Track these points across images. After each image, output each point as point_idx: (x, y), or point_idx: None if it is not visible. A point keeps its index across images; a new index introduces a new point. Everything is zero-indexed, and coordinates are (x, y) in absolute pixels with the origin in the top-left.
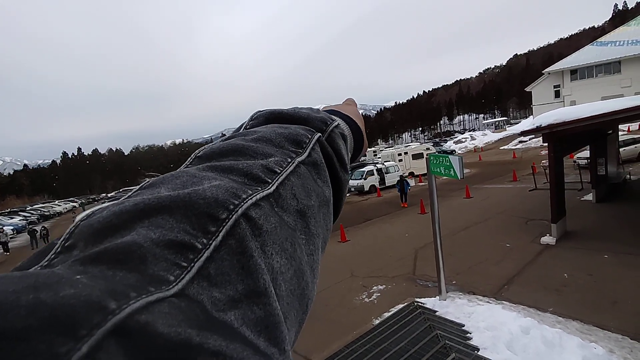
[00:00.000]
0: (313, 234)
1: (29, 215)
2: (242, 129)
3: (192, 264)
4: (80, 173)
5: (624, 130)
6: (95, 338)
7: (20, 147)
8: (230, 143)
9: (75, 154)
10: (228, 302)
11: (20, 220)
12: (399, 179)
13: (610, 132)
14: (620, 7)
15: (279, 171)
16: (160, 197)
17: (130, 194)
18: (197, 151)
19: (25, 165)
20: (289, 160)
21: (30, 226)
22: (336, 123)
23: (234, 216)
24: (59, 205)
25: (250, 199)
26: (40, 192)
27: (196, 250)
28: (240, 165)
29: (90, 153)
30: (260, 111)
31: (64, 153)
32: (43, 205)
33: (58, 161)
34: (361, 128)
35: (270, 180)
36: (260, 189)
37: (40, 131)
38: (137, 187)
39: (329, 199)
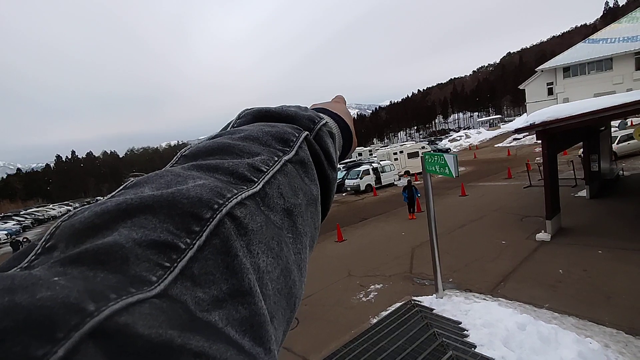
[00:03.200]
0: (300, 232)
1: (23, 219)
2: (229, 128)
3: (175, 264)
4: (74, 176)
5: (616, 127)
6: (72, 341)
7: (13, 151)
8: (217, 142)
9: (69, 157)
10: (212, 302)
11: (14, 224)
12: (406, 184)
13: (603, 128)
14: (611, 4)
15: (266, 170)
16: (143, 196)
17: (113, 193)
18: (182, 150)
19: (18, 169)
20: (276, 158)
21: (13, 237)
22: (324, 121)
23: (218, 215)
24: (54, 209)
25: (235, 198)
26: (34, 196)
27: (179, 250)
28: (226, 164)
29: (84, 156)
30: (247, 109)
31: (58, 156)
32: (37, 209)
33: (52, 165)
34: (350, 126)
35: (256, 179)
36: (245, 187)
37: (34, 134)
38: (121, 186)
39: (317, 198)
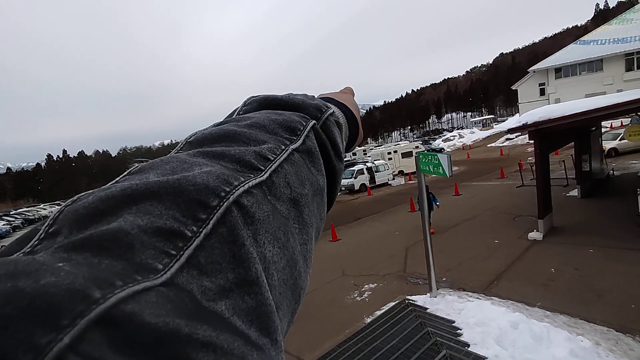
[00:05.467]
0: (306, 223)
1: (13, 219)
2: (235, 115)
3: (182, 252)
4: (66, 176)
5: (606, 127)
6: (78, 328)
7: (2, 150)
8: (223, 128)
9: (61, 156)
10: (219, 292)
11: (4, 225)
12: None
13: (594, 128)
14: (601, 6)
15: (272, 158)
16: (149, 182)
17: (117, 179)
18: (188, 136)
19: (8, 168)
20: (283, 147)
21: None
22: (331, 111)
23: (225, 203)
24: (44, 209)
25: (243, 186)
26: (25, 195)
27: (186, 238)
28: (233, 152)
29: (76, 155)
30: (253, 96)
31: (49, 155)
32: (28, 209)
33: (43, 164)
34: (357, 117)
35: (263, 168)
36: (252, 176)
37: (24, 133)
38: (125, 172)
39: (323, 188)
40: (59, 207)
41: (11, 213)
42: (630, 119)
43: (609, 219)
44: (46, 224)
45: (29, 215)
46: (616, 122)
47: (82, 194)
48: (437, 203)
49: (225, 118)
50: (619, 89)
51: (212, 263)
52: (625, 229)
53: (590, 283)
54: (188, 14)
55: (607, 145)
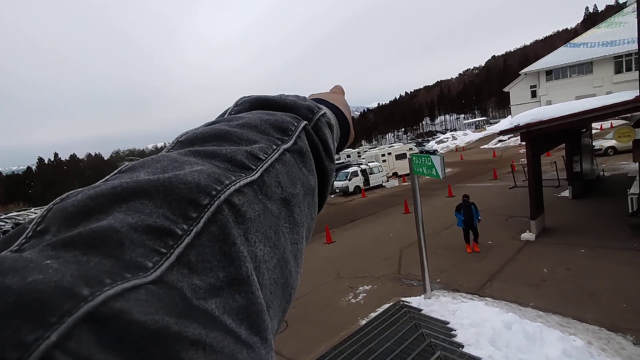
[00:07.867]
0: (297, 222)
1: (3, 224)
2: (226, 115)
3: (172, 251)
4: (57, 179)
5: (596, 129)
6: (65, 326)
7: None
8: (214, 128)
9: (52, 159)
10: (209, 290)
11: None
12: (461, 201)
13: (584, 130)
14: (591, 9)
15: (264, 158)
16: (139, 181)
17: (107, 177)
18: (179, 135)
19: None
20: (274, 147)
21: None
22: (323, 111)
23: (216, 202)
24: (35, 214)
25: (234, 185)
26: (15, 199)
27: (176, 237)
28: (224, 151)
29: (67, 158)
30: (245, 97)
31: (40, 159)
32: (18, 213)
33: (34, 167)
34: (348, 118)
35: (254, 167)
36: (244, 175)
37: (14, 136)
38: (115, 170)
39: (314, 188)
40: (47, 205)
41: (1, 217)
42: (620, 120)
43: (599, 219)
44: (34, 222)
45: (19, 220)
46: (606, 124)
47: (70, 192)
48: (480, 217)
49: (217, 118)
50: (608, 91)
51: (203, 261)
52: (616, 229)
53: (582, 283)
54: (184, 15)
55: (605, 143)
